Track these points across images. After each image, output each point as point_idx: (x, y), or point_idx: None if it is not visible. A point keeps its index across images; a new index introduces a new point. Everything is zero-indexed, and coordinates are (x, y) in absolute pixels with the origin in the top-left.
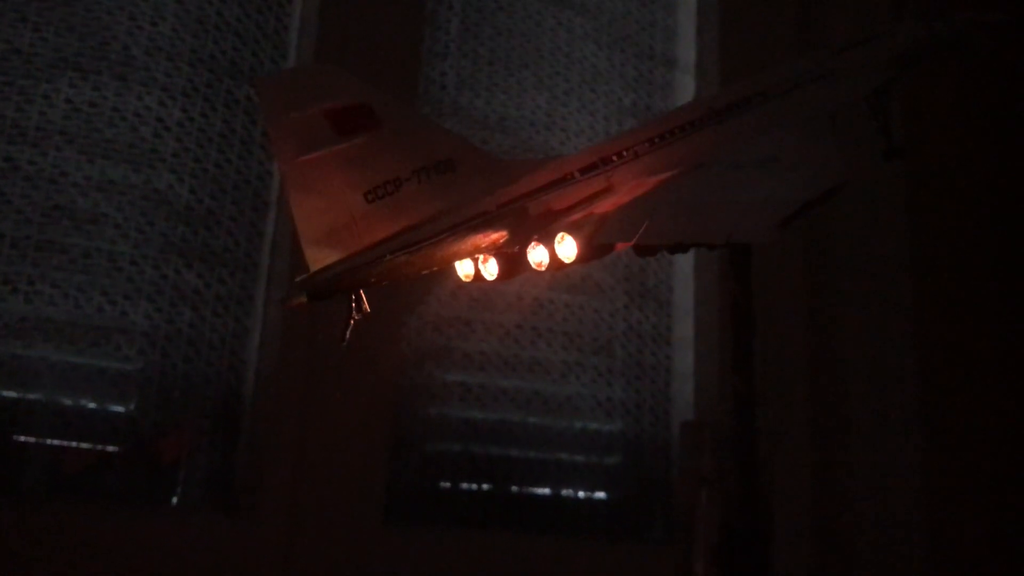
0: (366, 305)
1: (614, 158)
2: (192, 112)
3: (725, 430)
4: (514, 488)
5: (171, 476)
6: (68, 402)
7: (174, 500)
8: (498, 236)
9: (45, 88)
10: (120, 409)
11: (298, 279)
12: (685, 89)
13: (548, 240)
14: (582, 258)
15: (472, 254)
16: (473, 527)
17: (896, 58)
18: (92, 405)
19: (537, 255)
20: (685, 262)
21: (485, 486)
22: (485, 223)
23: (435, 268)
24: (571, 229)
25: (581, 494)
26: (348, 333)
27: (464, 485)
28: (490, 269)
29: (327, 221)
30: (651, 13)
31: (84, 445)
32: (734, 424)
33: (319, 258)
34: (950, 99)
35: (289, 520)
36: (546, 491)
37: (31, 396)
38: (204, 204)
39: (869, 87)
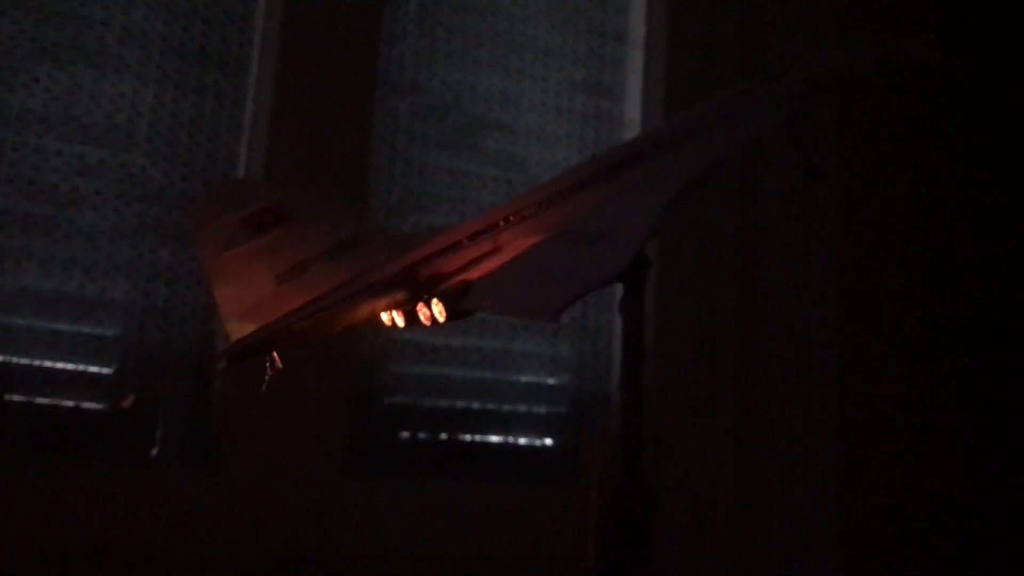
0: (279, 363)
1: (501, 223)
2: (163, 97)
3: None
4: (468, 437)
5: (150, 433)
6: (53, 365)
7: (154, 452)
8: (393, 299)
9: (24, 77)
10: (104, 371)
11: (223, 348)
12: (635, 64)
13: (428, 302)
14: (457, 317)
15: (372, 317)
16: (429, 475)
17: (813, 86)
18: (76, 367)
19: (423, 315)
20: None
21: (442, 436)
22: (380, 290)
23: (339, 331)
24: (443, 295)
25: (530, 441)
26: (265, 386)
27: (421, 435)
28: (398, 322)
29: (244, 302)
30: None
31: (68, 403)
32: (621, 433)
33: (237, 331)
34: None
35: (254, 472)
36: (498, 439)
37: (19, 360)
38: (176, 186)
39: (776, 122)
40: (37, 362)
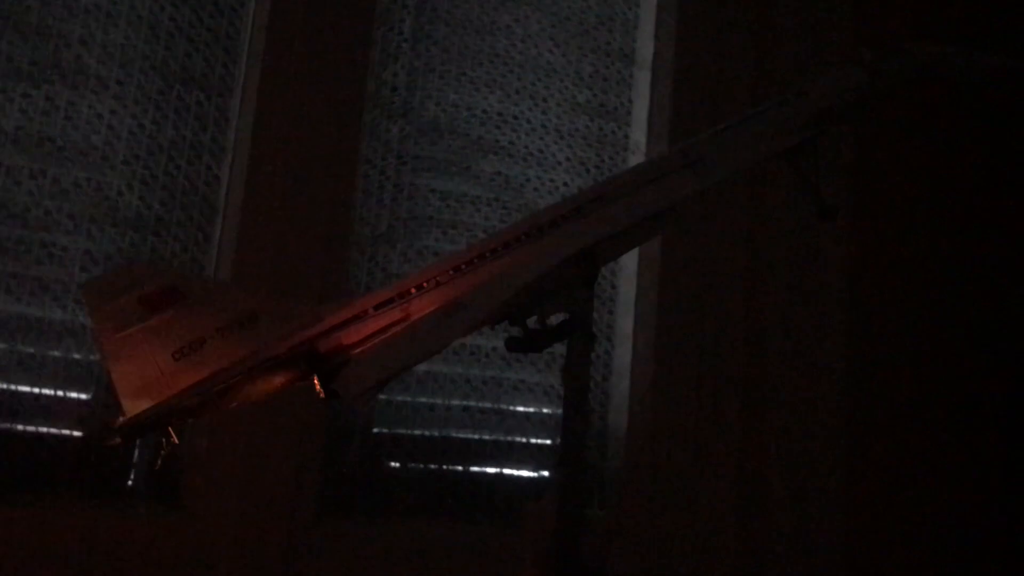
0: (175, 438)
1: (413, 290)
2: (143, 119)
3: None
4: (457, 468)
5: (127, 461)
6: (28, 390)
7: (130, 482)
8: (291, 374)
9: None
10: (82, 396)
11: (115, 425)
12: (641, 85)
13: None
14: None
15: (269, 392)
16: (412, 514)
17: (823, 114)
18: (51, 392)
19: (319, 391)
20: (630, 260)
21: (430, 467)
22: (275, 364)
23: (235, 406)
24: (322, 371)
25: (521, 473)
26: (160, 462)
27: (407, 468)
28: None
29: (140, 379)
30: (610, 7)
31: (45, 429)
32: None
33: (134, 407)
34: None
35: (223, 511)
36: (488, 470)
37: None
38: (153, 211)
39: (753, 162)
40: (11, 387)
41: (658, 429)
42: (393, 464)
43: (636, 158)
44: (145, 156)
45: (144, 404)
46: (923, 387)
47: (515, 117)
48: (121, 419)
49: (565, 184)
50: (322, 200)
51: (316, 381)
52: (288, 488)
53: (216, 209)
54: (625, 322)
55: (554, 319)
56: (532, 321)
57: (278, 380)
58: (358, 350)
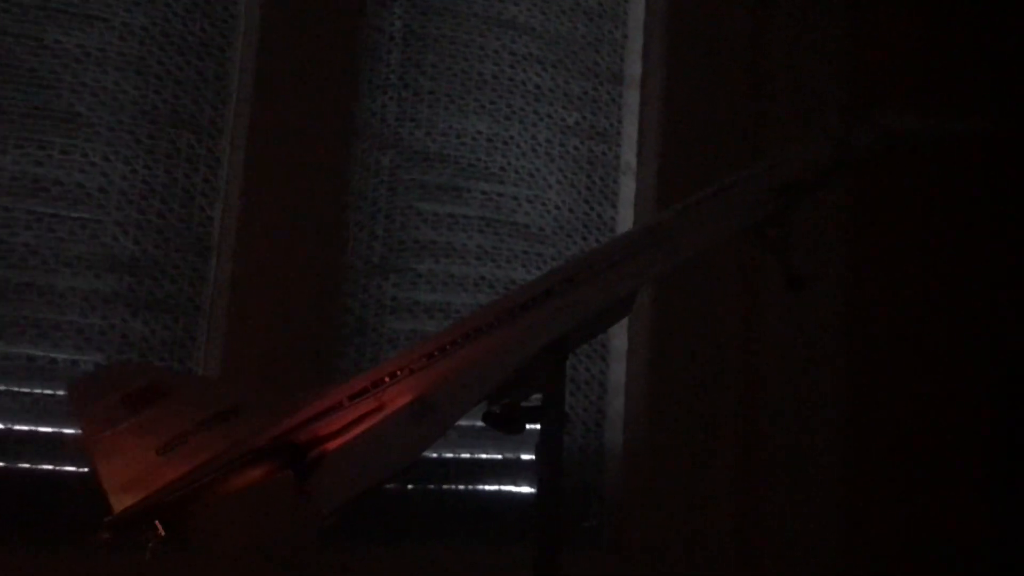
0: (161, 531)
1: (387, 379)
2: (135, 164)
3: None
4: (446, 487)
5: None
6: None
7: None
8: (269, 467)
9: None
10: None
11: (106, 520)
12: (631, 105)
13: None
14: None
15: (251, 484)
16: (417, 535)
17: (784, 187)
18: (48, 430)
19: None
20: None
21: (414, 487)
22: (256, 457)
23: (222, 496)
24: (297, 467)
25: (514, 490)
26: (149, 554)
27: (410, 487)
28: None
29: (127, 475)
30: (599, 28)
31: (43, 466)
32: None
33: (121, 502)
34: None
35: (227, 542)
36: (478, 488)
37: None
38: (148, 254)
39: (722, 237)
40: (7, 426)
41: (655, 446)
42: (390, 487)
43: (627, 178)
44: (138, 200)
45: (131, 499)
46: (923, 400)
47: (505, 142)
48: (109, 516)
49: (557, 206)
50: (315, 235)
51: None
52: (287, 519)
53: (209, 248)
54: (619, 339)
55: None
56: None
57: (259, 472)
58: (335, 443)
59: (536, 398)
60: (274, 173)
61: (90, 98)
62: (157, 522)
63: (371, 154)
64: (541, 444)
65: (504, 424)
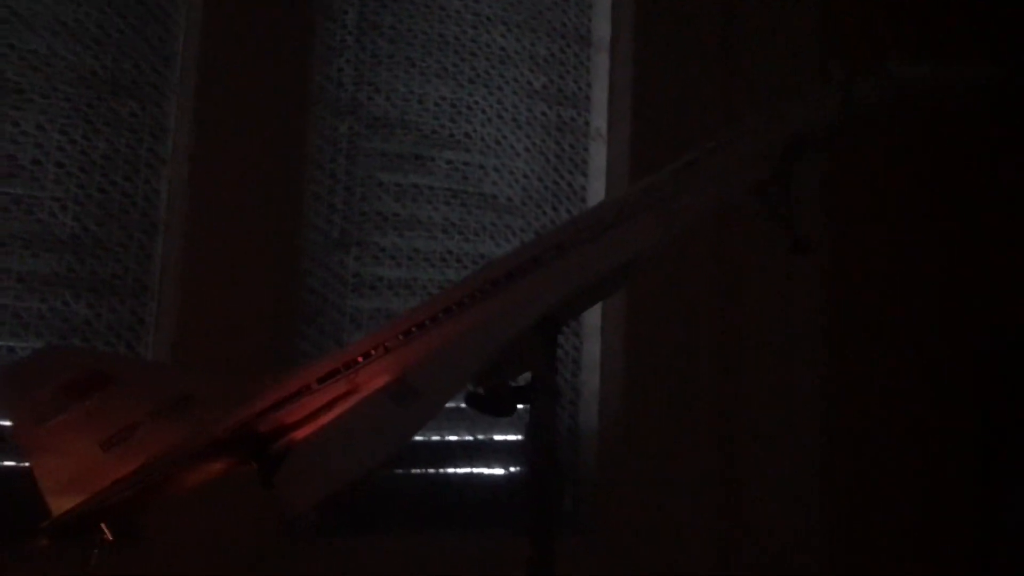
0: (108, 535)
1: (360, 359)
2: (73, 134)
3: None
4: (420, 471)
5: None
6: None
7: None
8: (231, 459)
9: None
10: None
11: (43, 524)
12: (599, 69)
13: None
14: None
15: (209, 479)
16: (391, 522)
17: (789, 143)
18: None
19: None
20: None
21: (398, 471)
22: (215, 450)
23: (176, 495)
24: (262, 459)
25: (488, 472)
26: (93, 560)
27: (378, 472)
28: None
29: (67, 473)
30: None
31: None
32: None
33: (61, 504)
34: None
35: (186, 537)
36: (453, 471)
37: None
38: (90, 232)
39: (723, 200)
40: None
41: (631, 426)
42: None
43: (597, 145)
44: (77, 173)
45: (72, 500)
46: (903, 376)
47: (469, 107)
48: (48, 520)
49: (525, 175)
50: (270, 209)
51: (256, 465)
52: (254, 511)
53: (156, 225)
54: (594, 315)
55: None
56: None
57: (218, 465)
58: (303, 431)
59: (523, 377)
60: (224, 142)
61: (19, 63)
62: (103, 525)
63: (328, 121)
64: (533, 425)
65: (491, 406)
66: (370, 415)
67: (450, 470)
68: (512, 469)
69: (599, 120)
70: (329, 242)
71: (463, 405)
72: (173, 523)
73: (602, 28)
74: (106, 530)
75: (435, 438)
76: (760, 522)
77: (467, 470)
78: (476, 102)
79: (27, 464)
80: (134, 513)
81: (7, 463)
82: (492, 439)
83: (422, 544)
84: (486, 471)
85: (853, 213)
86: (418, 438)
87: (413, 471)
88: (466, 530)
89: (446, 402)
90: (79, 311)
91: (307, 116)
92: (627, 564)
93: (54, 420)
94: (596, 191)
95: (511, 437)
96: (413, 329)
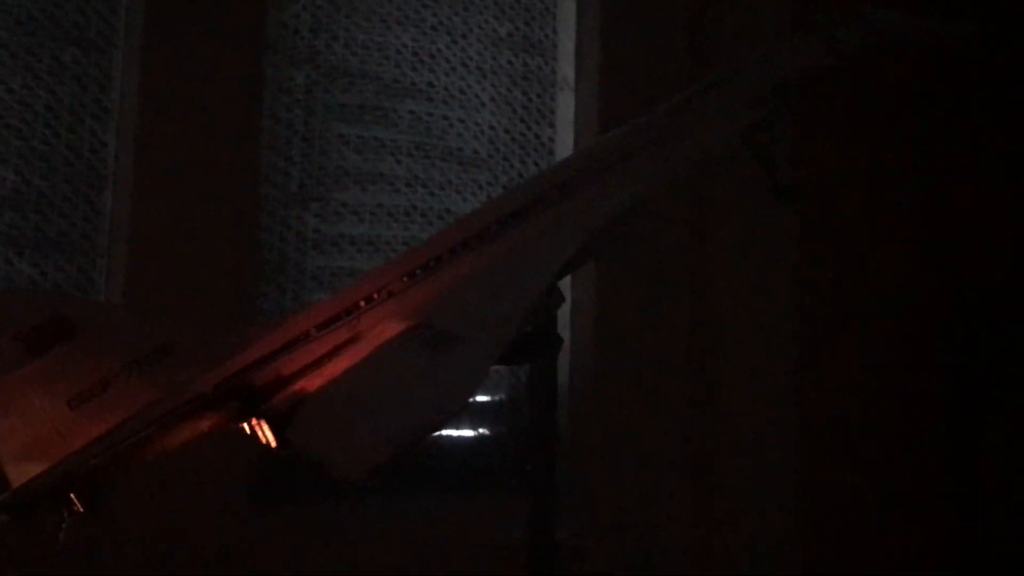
0: (78, 506)
1: (362, 303)
2: (12, 83)
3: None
4: None
5: None
6: None
7: None
8: (221, 417)
9: None
10: None
11: (0, 498)
12: (566, 15)
13: (257, 422)
14: (278, 446)
15: (192, 441)
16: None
17: (777, 88)
18: None
19: (260, 435)
20: None
21: None
22: (200, 406)
23: (152, 459)
24: (270, 414)
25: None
26: (62, 535)
27: None
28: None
29: (27, 437)
30: None
31: None
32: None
33: (21, 473)
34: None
35: (146, 507)
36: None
37: None
38: (33, 187)
39: (726, 138)
40: None
41: (602, 386)
42: None
43: (565, 95)
44: (18, 125)
45: (35, 469)
46: (881, 360)
47: (432, 56)
48: (6, 493)
49: (491, 126)
50: (225, 162)
51: (257, 426)
52: (215, 478)
53: (104, 179)
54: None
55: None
56: None
57: (204, 425)
58: (311, 382)
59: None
60: (174, 92)
61: None
62: (73, 496)
63: (284, 71)
64: (535, 380)
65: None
66: (411, 366)
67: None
68: (481, 431)
69: (567, 69)
70: (287, 197)
71: None
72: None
73: None
74: (76, 501)
75: None
76: (732, 479)
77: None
78: (439, 50)
79: None
80: (108, 481)
81: None
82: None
83: (398, 508)
84: (455, 434)
85: (826, 180)
86: None
87: None
88: (439, 493)
89: (500, 346)
90: (23, 270)
91: (262, 65)
92: (599, 523)
93: (11, 375)
94: (564, 143)
95: (480, 398)
96: (417, 271)
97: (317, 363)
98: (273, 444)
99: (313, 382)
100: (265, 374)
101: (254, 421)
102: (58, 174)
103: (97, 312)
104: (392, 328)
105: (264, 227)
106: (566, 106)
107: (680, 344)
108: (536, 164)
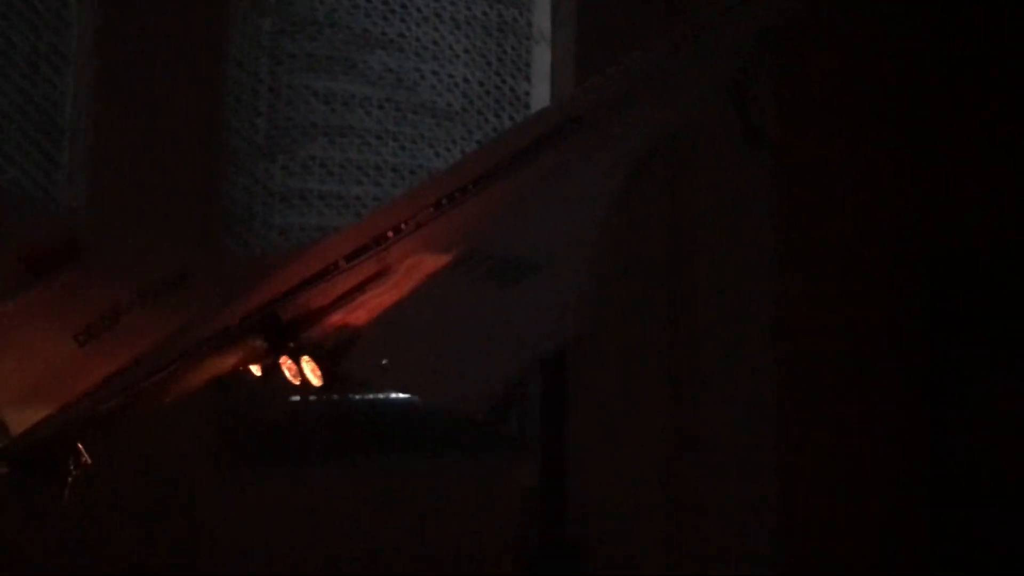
0: (86, 457)
1: (390, 234)
2: None
3: None
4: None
5: None
6: None
7: None
8: (248, 352)
9: None
10: None
11: None
12: None
13: (296, 358)
14: (341, 383)
15: (216, 377)
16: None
17: (764, 33)
18: None
19: (290, 371)
20: None
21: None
22: (225, 341)
23: (170, 400)
24: (317, 351)
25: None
26: (67, 492)
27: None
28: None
29: (30, 376)
30: None
31: None
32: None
33: (23, 420)
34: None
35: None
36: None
37: None
38: None
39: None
40: None
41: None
42: (291, 399)
43: (541, 48)
44: None
45: (38, 414)
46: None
47: (403, 6)
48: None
49: (465, 79)
50: (187, 111)
51: (287, 360)
52: (182, 440)
53: (60, 128)
54: None
55: None
56: None
57: (228, 362)
58: (343, 318)
59: None
60: (135, 39)
61: None
62: (80, 447)
63: (249, 18)
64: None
65: None
66: (495, 297)
67: (381, 396)
68: None
69: (542, 21)
70: (254, 149)
71: None
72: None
73: None
74: (84, 452)
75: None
76: (705, 431)
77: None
78: (411, 0)
79: None
80: (117, 428)
81: None
82: None
83: (366, 471)
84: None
85: (803, 154)
86: None
87: (341, 398)
88: (404, 454)
89: (585, 272)
90: None
91: (227, 11)
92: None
93: (11, 303)
94: (540, 97)
95: None
96: (443, 200)
97: (348, 296)
98: (318, 382)
99: (354, 316)
100: (293, 307)
101: (303, 358)
102: (12, 123)
103: (107, 236)
104: (430, 260)
105: (230, 180)
106: (542, 59)
107: (659, 318)
108: (512, 118)
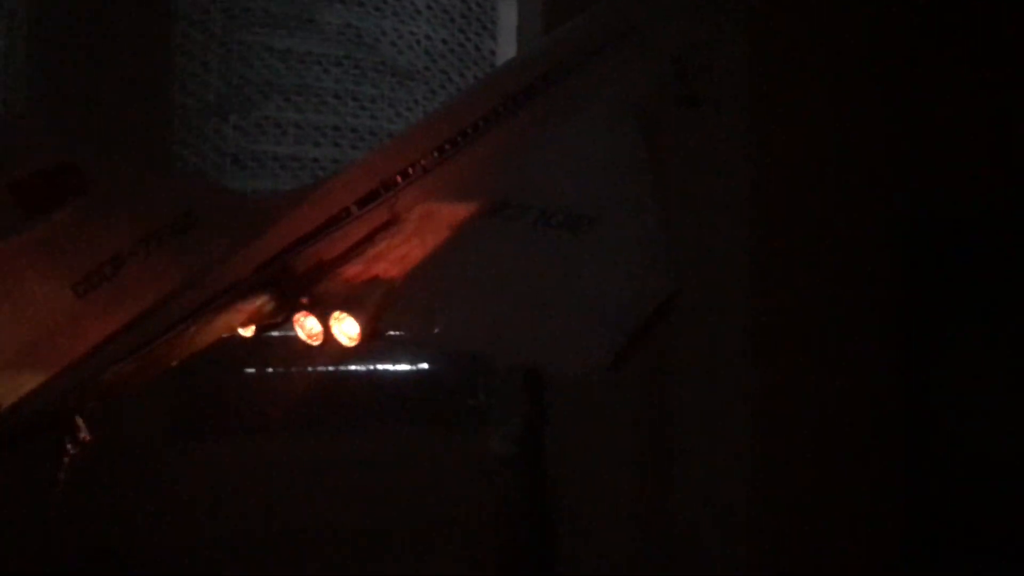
0: (86, 433)
1: (398, 179)
2: None
3: None
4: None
5: None
6: None
7: None
8: (257, 310)
9: None
10: None
11: None
12: None
13: (322, 313)
14: (370, 339)
15: (226, 334)
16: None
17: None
18: None
19: (308, 328)
20: None
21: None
22: (236, 298)
23: (180, 360)
24: (351, 306)
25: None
26: (63, 472)
27: (273, 371)
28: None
29: (21, 334)
30: None
31: None
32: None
33: (13, 387)
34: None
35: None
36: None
37: None
38: None
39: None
40: None
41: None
42: (250, 371)
43: (507, 4)
44: None
45: (32, 381)
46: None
47: None
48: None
49: (428, 36)
50: (134, 67)
51: (304, 318)
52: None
53: None
54: None
55: None
56: None
57: (239, 318)
58: (362, 271)
59: None
60: None
61: None
62: (79, 419)
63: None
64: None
65: None
66: (551, 251)
67: (353, 368)
68: (421, 366)
69: None
70: (204, 107)
71: None
72: None
73: None
74: (82, 426)
75: None
76: (685, 400)
77: (371, 367)
78: None
79: None
80: (122, 394)
81: None
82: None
83: (341, 442)
84: (391, 367)
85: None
86: None
87: (314, 369)
88: (376, 426)
89: (654, 225)
90: None
91: None
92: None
93: (4, 242)
94: (506, 55)
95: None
96: (445, 146)
97: (358, 247)
98: (350, 343)
99: (379, 269)
100: (305, 258)
101: (333, 315)
102: None
103: (110, 168)
104: (445, 208)
105: (178, 139)
106: (508, 16)
107: None
108: (476, 77)
